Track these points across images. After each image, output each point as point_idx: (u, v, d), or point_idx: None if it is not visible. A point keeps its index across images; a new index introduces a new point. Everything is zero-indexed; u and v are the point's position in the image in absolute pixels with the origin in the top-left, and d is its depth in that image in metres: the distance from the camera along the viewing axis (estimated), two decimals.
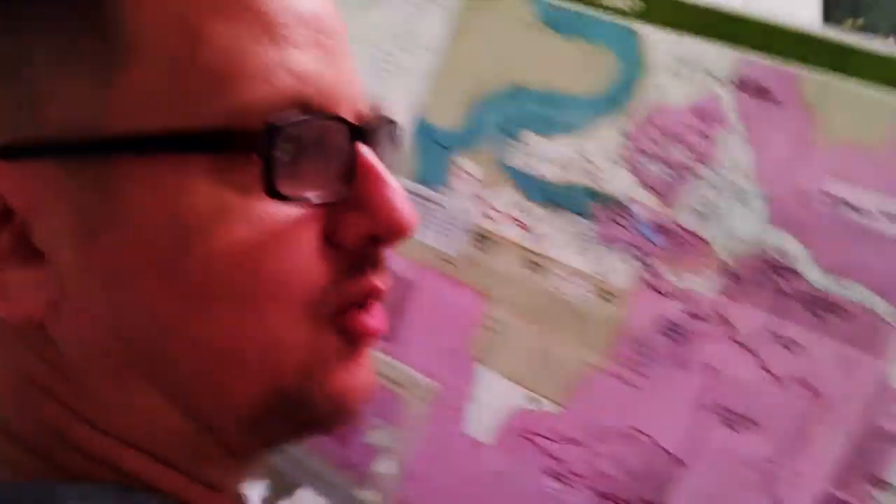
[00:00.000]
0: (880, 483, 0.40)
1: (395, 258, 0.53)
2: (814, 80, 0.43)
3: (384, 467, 0.51)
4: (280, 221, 0.28)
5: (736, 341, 0.43)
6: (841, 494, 0.41)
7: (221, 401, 0.30)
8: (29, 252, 0.29)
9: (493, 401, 0.49)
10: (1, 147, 0.28)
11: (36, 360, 0.30)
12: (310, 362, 0.30)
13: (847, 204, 0.42)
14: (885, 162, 0.42)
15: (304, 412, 0.30)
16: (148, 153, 0.27)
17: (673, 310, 0.45)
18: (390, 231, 0.30)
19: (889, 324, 0.41)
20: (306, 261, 0.29)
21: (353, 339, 0.30)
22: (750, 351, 0.43)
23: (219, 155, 0.27)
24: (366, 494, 0.52)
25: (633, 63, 0.49)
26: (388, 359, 0.52)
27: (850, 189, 0.42)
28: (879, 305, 0.41)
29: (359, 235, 0.30)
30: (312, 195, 0.29)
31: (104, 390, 0.30)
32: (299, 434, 0.32)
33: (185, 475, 0.31)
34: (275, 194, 0.27)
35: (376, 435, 0.52)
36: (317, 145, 0.29)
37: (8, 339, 0.31)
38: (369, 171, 0.30)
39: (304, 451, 0.54)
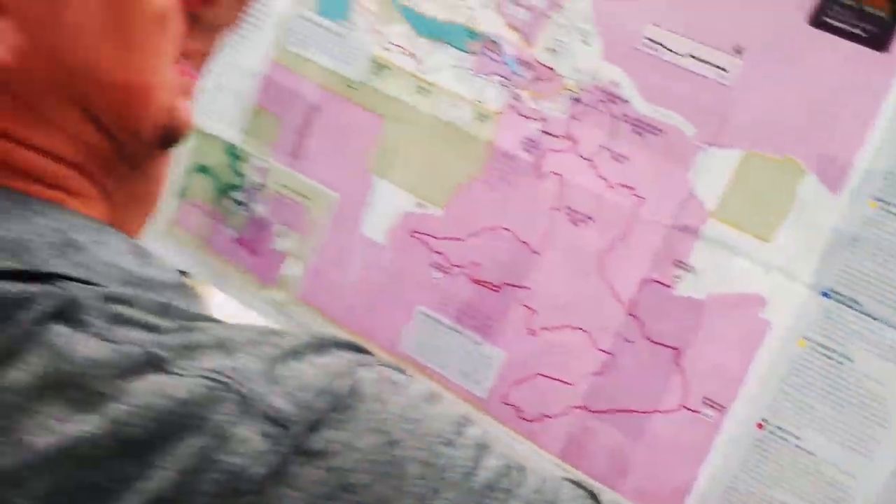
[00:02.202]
0: (683, 265, 0.56)
1: (304, 83, 0.64)
2: None
3: (290, 270, 0.64)
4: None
5: (579, 154, 0.58)
6: (654, 275, 0.57)
7: (127, 127, 0.41)
8: None
9: (387, 207, 0.62)
10: None
11: None
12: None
13: (662, 45, 0.57)
14: (690, 15, 0.56)
15: (173, 137, 0.44)
16: None
17: (532, 129, 0.59)
18: None
19: (694, 143, 0.56)
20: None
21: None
22: (590, 162, 0.58)
23: None
24: (274, 294, 0.65)
25: None
26: (295, 173, 0.64)
27: (664, 33, 0.56)
28: (688, 128, 0.56)
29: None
30: None
31: (47, 120, 0.39)
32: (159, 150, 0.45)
33: (91, 179, 0.42)
34: None
35: (284, 242, 0.64)
36: None
37: None
38: None
39: (217, 261, 0.66)
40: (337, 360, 0.38)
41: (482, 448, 0.40)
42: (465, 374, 0.60)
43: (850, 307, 0.52)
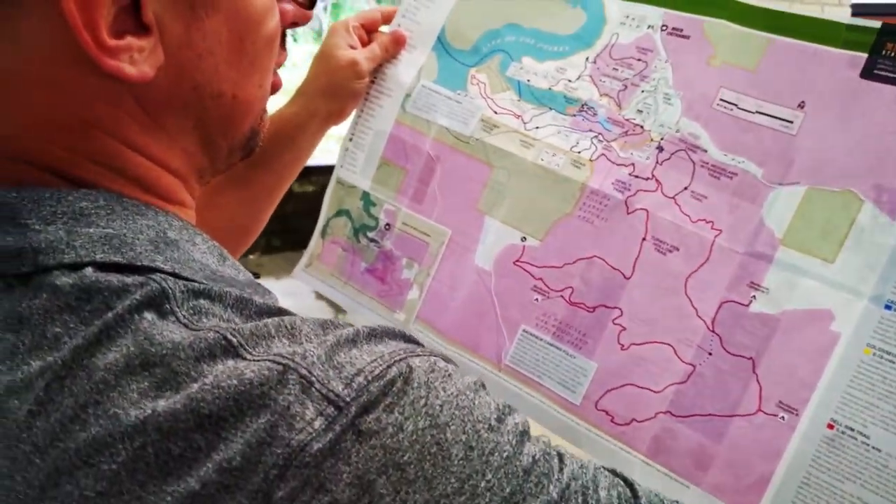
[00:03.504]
0: (757, 286, 0.65)
1: (425, 140, 0.78)
2: (711, 23, 0.69)
3: (412, 295, 0.75)
4: (281, 20, 0.51)
5: (664, 193, 0.69)
6: (731, 296, 0.65)
7: (228, 136, 0.50)
8: (139, 25, 0.41)
9: (494, 240, 0.73)
10: None
11: (112, 110, 0.43)
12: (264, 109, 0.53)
13: (734, 105, 0.68)
14: (758, 78, 0.68)
15: (254, 141, 0.53)
16: None
17: (622, 173, 0.70)
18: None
19: (764, 183, 0.66)
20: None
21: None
22: (673, 200, 0.68)
23: None
24: (398, 315, 0.76)
25: (597, 17, 0.75)
26: (418, 215, 0.77)
27: (736, 95, 0.68)
28: (757, 171, 0.66)
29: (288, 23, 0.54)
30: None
31: (163, 131, 0.46)
32: (242, 158, 0.54)
33: (186, 185, 0.49)
34: (311, 5, 0.52)
35: (409, 272, 0.76)
36: None
37: (88, 95, 0.42)
38: None
39: (354, 288, 0.78)
40: (390, 348, 0.41)
41: (523, 434, 0.43)
42: (561, 383, 0.69)
43: None
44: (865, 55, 0.63)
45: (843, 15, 0.70)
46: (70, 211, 0.42)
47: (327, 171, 0.86)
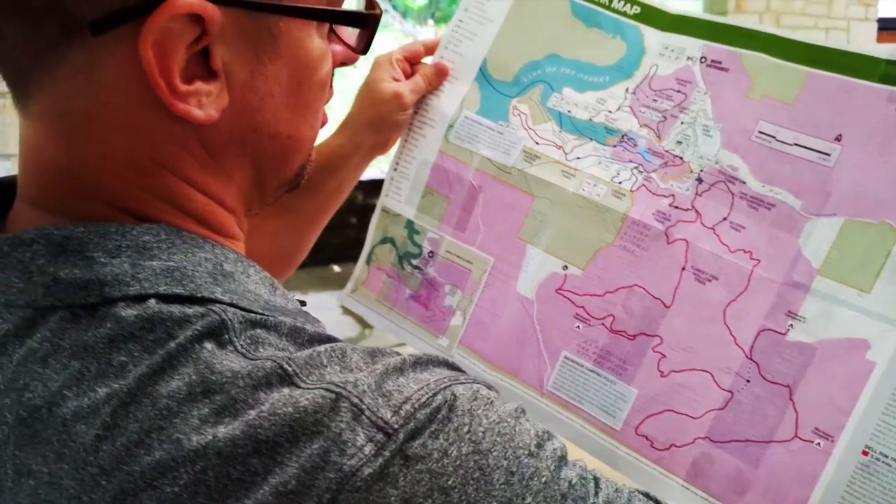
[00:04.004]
0: (794, 315, 0.67)
1: (468, 170, 0.81)
2: (749, 56, 0.72)
3: (455, 321, 0.78)
4: (333, 65, 0.53)
5: (703, 224, 0.71)
6: (769, 324, 0.68)
7: (280, 172, 0.53)
8: (208, 71, 0.44)
9: (536, 268, 0.76)
10: None
11: (177, 150, 0.46)
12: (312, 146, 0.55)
13: (773, 137, 0.70)
14: (796, 111, 0.70)
15: (301, 176, 0.56)
16: (299, 17, 0.47)
17: (662, 204, 0.73)
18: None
19: (801, 214, 0.68)
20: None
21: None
22: (712, 230, 0.71)
23: (326, 22, 0.50)
24: (441, 341, 0.79)
25: (637, 48, 0.78)
26: (460, 243, 0.80)
27: (774, 127, 0.70)
28: (795, 202, 0.69)
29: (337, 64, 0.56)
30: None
31: (221, 169, 0.48)
32: (287, 192, 0.56)
33: (237, 219, 0.52)
34: (365, 51, 0.54)
35: (451, 298, 0.79)
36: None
37: (157, 135, 0.45)
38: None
39: (398, 314, 0.82)
40: (435, 375, 0.44)
41: (561, 459, 0.46)
42: (602, 408, 0.72)
43: None
44: None
45: (869, 29, 0.72)
46: (134, 245, 0.44)
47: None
